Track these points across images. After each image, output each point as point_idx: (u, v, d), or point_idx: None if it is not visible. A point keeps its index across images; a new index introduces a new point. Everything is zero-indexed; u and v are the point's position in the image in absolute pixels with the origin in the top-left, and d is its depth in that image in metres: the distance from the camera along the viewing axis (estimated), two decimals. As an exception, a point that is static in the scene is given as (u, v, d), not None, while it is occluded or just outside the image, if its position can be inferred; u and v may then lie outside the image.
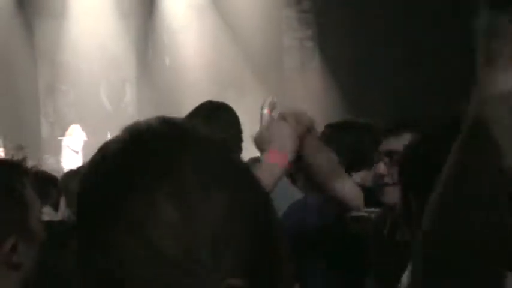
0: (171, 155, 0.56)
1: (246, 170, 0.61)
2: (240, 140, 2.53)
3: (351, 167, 2.00)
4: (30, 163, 9.92)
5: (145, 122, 0.62)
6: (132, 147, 0.59)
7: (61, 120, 12.75)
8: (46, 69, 13.18)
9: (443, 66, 10.09)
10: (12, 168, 1.14)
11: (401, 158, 1.30)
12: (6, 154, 10.99)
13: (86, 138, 11.07)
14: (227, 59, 12.99)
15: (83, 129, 11.59)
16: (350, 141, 2.15)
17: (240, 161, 0.63)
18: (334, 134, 2.22)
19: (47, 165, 12.21)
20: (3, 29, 12.14)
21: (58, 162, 11.79)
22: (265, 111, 2.43)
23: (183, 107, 15.25)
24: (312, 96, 12.49)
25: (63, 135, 11.92)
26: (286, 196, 2.43)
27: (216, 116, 2.52)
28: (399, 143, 1.70)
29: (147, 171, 0.56)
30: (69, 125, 12.02)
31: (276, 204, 0.62)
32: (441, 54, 10.15)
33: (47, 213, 2.83)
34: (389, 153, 1.75)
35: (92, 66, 13.03)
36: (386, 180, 1.74)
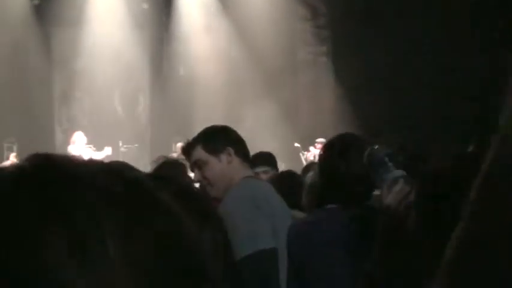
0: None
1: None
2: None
3: None
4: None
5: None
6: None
7: (75, 128, 12.81)
8: (61, 77, 13.30)
9: (463, 86, 10.03)
10: None
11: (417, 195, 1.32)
12: (19, 161, 11.06)
13: (89, 146, 10.90)
14: (241, 71, 13.04)
15: (95, 137, 11.60)
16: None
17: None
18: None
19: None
20: (19, 36, 12.29)
21: (71, 169, 11.82)
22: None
23: (195, 117, 15.40)
24: (325, 112, 12.48)
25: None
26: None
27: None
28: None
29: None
30: (83, 133, 12.08)
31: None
32: (461, 72, 10.09)
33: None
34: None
35: (106, 74, 13.13)
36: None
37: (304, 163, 11.04)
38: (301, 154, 11.63)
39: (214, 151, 2.64)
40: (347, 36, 11.94)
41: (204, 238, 0.98)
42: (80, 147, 10.58)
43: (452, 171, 1.28)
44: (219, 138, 2.70)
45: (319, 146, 10.91)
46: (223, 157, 2.63)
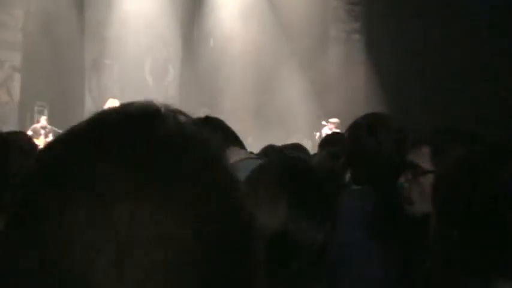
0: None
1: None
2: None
3: None
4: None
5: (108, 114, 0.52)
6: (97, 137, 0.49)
7: (104, 95, 12.94)
8: (93, 44, 13.39)
9: (494, 73, 9.82)
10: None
11: (435, 186, 1.27)
12: (50, 123, 11.27)
13: None
14: (271, 46, 12.94)
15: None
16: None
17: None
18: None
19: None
20: (53, 3, 12.38)
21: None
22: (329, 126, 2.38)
23: (224, 90, 15.42)
24: (354, 90, 12.35)
25: (105, 109, 12.10)
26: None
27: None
28: (419, 156, 1.70)
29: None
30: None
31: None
32: (495, 61, 9.87)
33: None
34: (411, 166, 1.72)
35: (137, 43, 13.18)
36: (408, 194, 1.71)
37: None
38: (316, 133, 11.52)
39: None
40: (381, 14, 11.73)
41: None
42: None
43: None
44: None
45: (331, 125, 10.82)
46: None
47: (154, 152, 0.48)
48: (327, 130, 10.91)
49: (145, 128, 0.50)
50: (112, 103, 10.95)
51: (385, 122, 2.08)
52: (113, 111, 0.52)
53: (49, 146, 0.52)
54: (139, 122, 0.50)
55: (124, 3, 13.18)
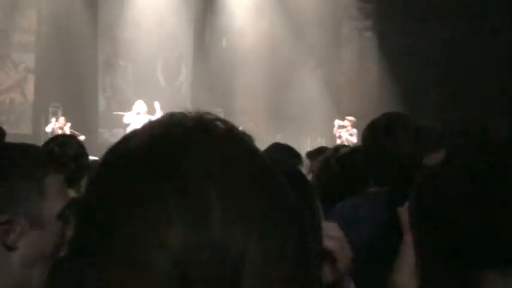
0: (196, 169, 0.49)
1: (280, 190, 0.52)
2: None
3: None
4: (86, 136, 10.20)
5: (180, 123, 0.55)
6: (158, 152, 0.51)
7: (117, 95, 13.02)
8: (106, 45, 13.47)
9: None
10: (37, 155, 1.10)
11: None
12: (64, 123, 11.33)
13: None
14: (283, 45, 12.92)
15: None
16: None
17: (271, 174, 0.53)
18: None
19: (103, 139, 12.53)
20: (68, 2, 12.46)
21: (113, 136, 12.05)
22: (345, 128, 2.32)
23: (236, 89, 15.40)
24: (368, 88, 12.29)
25: (118, 110, 12.16)
26: None
27: None
28: (439, 159, 1.65)
29: (165, 182, 0.49)
30: (125, 100, 12.25)
31: None
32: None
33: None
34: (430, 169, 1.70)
35: (150, 43, 13.24)
36: None
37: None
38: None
39: None
40: (392, 10, 11.66)
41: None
42: (140, 115, 10.69)
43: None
44: None
45: (346, 123, 10.76)
46: None
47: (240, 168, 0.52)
48: (343, 129, 10.87)
49: (220, 144, 0.53)
50: (139, 105, 11.01)
51: (403, 122, 2.04)
52: (169, 127, 0.55)
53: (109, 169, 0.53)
54: (208, 138, 0.54)
55: (136, 3, 13.24)
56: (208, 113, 0.59)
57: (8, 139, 3.36)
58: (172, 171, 0.49)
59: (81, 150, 2.74)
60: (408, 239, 1.62)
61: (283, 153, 3.34)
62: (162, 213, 0.47)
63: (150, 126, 0.55)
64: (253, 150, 0.55)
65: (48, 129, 10.98)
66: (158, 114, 10.78)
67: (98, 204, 0.50)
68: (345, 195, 2.29)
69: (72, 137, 3.11)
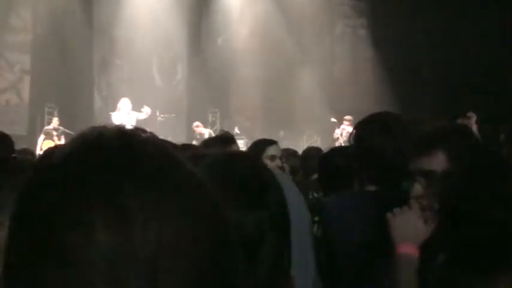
0: (116, 181, 0.53)
1: (205, 195, 0.56)
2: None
3: None
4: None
5: (102, 133, 0.57)
6: (81, 162, 0.54)
7: (113, 95, 12.99)
8: (101, 44, 13.44)
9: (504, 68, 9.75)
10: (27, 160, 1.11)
11: (441, 195, 1.24)
12: (60, 124, 11.31)
13: (144, 113, 10.90)
14: (279, 44, 12.94)
15: (133, 105, 11.66)
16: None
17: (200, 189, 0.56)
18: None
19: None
20: (62, 2, 12.43)
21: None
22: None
23: (232, 88, 15.36)
24: (363, 86, 12.31)
25: (114, 109, 12.14)
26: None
27: None
28: (433, 162, 1.62)
29: (88, 195, 0.52)
30: (121, 99, 12.20)
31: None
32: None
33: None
34: (424, 173, 1.64)
35: (145, 42, 13.22)
36: (424, 202, 1.65)
37: (338, 138, 10.96)
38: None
39: None
40: (385, 8, 11.68)
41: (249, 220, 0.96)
42: (124, 113, 10.64)
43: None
44: None
45: (347, 123, 10.78)
46: None
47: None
48: (343, 128, 10.89)
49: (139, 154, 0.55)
50: (124, 102, 10.97)
51: (395, 121, 2.04)
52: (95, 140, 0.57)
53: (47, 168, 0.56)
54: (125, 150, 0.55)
55: (132, 3, 13.22)
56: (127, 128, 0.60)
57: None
58: (99, 183, 0.52)
59: None
60: (403, 249, 1.62)
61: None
62: (88, 220, 0.51)
63: (73, 141, 0.57)
64: (179, 161, 0.56)
65: (42, 135, 10.96)
66: (145, 112, 10.78)
67: (30, 214, 0.54)
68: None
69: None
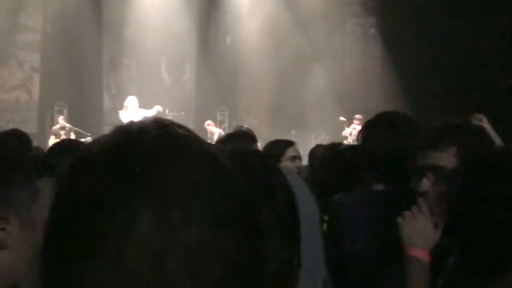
0: (159, 168, 0.53)
1: (238, 186, 0.57)
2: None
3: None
4: (91, 134, 10.21)
5: (140, 125, 0.57)
6: (121, 153, 0.54)
7: (122, 93, 13.04)
8: (110, 44, 13.50)
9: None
10: (31, 159, 1.12)
11: (447, 194, 1.23)
12: (69, 122, 11.38)
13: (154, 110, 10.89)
14: (288, 43, 12.92)
15: (142, 104, 11.67)
16: None
17: (234, 179, 0.57)
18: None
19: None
20: (72, 1, 12.50)
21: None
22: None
23: (240, 87, 15.37)
24: (372, 85, 12.27)
25: (123, 108, 12.16)
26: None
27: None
28: (444, 158, 1.59)
29: (130, 182, 0.52)
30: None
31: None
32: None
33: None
34: (434, 169, 1.61)
35: (154, 42, 13.26)
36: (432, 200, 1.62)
37: (347, 136, 10.94)
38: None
39: None
40: (395, 7, 11.63)
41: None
42: (132, 112, 10.65)
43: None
44: None
45: (357, 122, 10.75)
46: None
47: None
48: (353, 127, 10.86)
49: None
50: (131, 100, 10.99)
51: (402, 120, 2.03)
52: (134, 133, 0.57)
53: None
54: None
55: (141, 2, 13.27)
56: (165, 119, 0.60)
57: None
58: (140, 173, 0.52)
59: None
60: (414, 253, 1.59)
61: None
62: (131, 209, 0.51)
63: (112, 132, 0.58)
64: (213, 153, 0.57)
65: (52, 136, 11.01)
66: (156, 109, 10.78)
67: (72, 205, 0.53)
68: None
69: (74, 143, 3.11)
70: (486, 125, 3.12)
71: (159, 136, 0.55)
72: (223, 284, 0.52)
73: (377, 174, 1.98)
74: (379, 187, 1.98)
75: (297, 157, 3.40)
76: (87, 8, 12.79)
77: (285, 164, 3.18)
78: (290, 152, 3.36)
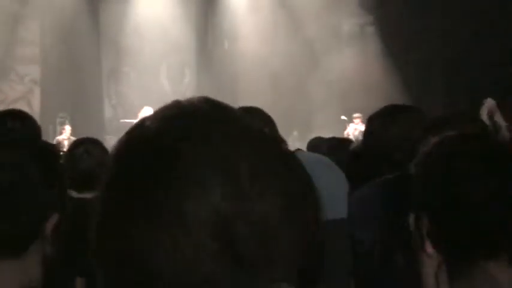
0: (227, 144, 0.53)
1: (298, 168, 0.57)
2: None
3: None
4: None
5: (193, 103, 0.57)
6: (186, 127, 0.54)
7: (123, 102, 13.08)
8: (109, 53, 13.54)
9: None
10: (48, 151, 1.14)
11: (413, 176, 1.22)
12: (71, 133, 11.40)
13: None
14: (286, 44, 12.94)
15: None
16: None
17: (294, 160, 0.58)
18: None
19: (109, 146, 12.60)
20: (69, 13, 12.54)
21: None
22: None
23: (240, 91, 15.40)
24: (372, 84, 12.28)
25: (124, 116, 12.21)
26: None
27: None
28: None
29: (199, 156, 0.52)
30: (130, 106, 12.29)
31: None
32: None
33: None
34: None
35: (153, 50, 13.29)
36: None
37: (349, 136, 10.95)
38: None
39: None
40: (393, 5, 11.65)
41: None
42: None
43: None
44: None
45: (357, 120, 10.79)
46: None
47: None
48: (353, 126, 10.89)
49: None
50: (147, 111, 11.03)
51: (402, 111, 2.04)
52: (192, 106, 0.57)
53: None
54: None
55: (137, 10, 13.30)
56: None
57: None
58: (207, 141, 0.53)
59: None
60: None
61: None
62: (203, 184, 0.51)
63: (169, 108, 0.57)
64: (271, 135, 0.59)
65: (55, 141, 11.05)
66: None
67: (137, 181, 0.52)
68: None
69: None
70: (496, 112, 3.11)
71: (222, 115, 0.56)
72: (291, 254, 0.52)
73: (377, 167, 2.00)
74: (389, 177, 1.99)
75: None
76: (85, 19, 12.83)
77: None
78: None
